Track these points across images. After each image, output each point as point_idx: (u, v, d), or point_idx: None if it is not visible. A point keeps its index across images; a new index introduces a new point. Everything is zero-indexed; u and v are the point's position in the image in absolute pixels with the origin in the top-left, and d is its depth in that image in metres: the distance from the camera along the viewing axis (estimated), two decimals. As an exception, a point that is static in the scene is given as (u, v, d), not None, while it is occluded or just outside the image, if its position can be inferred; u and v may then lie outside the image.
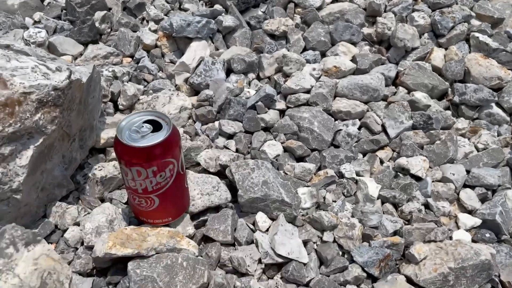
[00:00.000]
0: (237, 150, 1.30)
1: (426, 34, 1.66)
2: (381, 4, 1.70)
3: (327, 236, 1.04)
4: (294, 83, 1.40)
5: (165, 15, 1.74)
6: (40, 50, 1.16)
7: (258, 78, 1.55)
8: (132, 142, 0.86)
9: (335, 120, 1.40)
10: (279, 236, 1.00)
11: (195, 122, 1.41)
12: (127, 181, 0.92)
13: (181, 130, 1.37)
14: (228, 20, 1.63)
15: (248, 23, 1.73)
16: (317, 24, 1.66)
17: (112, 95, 1.39)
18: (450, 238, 1.06)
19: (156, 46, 1.64)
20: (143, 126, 0.89)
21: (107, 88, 1.37)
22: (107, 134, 1.21)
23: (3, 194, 0.87)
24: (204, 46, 1.59)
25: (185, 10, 1.77)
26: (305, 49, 1.64)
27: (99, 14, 1.67)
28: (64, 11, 1.75)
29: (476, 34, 1.60)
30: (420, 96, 1.39)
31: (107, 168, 1.11)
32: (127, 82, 1.45)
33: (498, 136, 1.40)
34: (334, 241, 1.05)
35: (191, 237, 1.03)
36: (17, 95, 0.85)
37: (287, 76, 1.49)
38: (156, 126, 0.91)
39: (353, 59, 1.56)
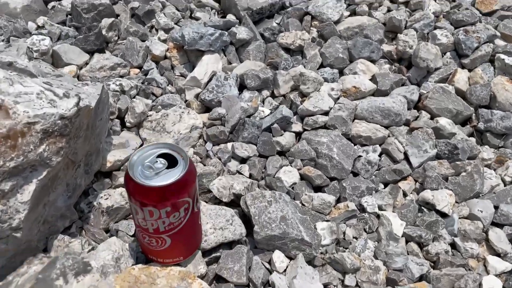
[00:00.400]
0: (250, 176, 1.23)
1: (448, 54, 1.59)
2: (402, 20, 1.63)
3: (349, 280, 0.97)
4: (312, 105, 1.32)
5: (176, 23, 1.66)
6: (45, 66, 1.08)
7: (273, 95, 1.48)
8: (145, 180, 0.78)
9: (354, 144, 1.33)
10: (298, 281, 0.92)
11: (206, 142, 1.33)
12: (137, 220, 0.85)
13: (191, 151, 1.30)
14: (242, 33, 1.55)
15: (262, 35, 1.65)
16: (335, 39, 1.58)
17: (119, 111, 1.31)
18: (480, 284, 0.99)
19: (165, 57, 1.56)
20: (157, 161, 0.82)
21: (114, 104, 1.29)
22: (113, 157, 1.14)
23: (1, 233, 0.79)
24: (217, 60, 1.51)
25: (197, 19, 1.69)
26: (322, 65, 1.56)
27: (106, 21, 1.58)
28: (69, 16, 1.66)
29: (502, 56, 1.52)
30: (445, 122, 1.32)
31: (114, 196, 1.03)
32: (135, 98, 1.37)
33: (524, 167, 1.33)
34: (357, 285, 0.98)
35: (203, 276, 0.96)
36: (20, 126, 0.77)
37: (303, 95, 1.41)
38: (171, 161, 0.83)
39: (373, 79, 1.48)
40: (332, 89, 1.40)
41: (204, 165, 1.24)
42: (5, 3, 1.60)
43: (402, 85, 1.50)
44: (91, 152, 1.03)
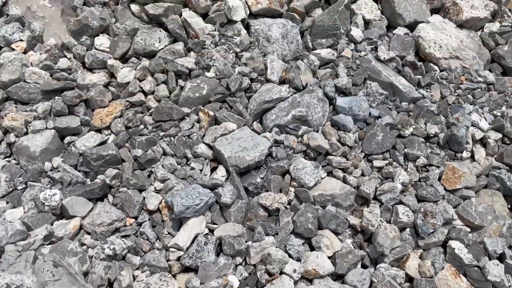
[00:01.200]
0: None
1: (408, 230, 1.74)
2: (370, 193, 1.78)
3: None
4: (273, 293, 1.51)
5: (172, 173, 1.85)
6: (47, 269, 1.29)
7: (245, 261, 1.66)
8: None
9: (306, 326, 1.51)
10: None
11: (179, 311, 1.54)
12: None
13: (166, 317, 1.51)
14: (226, 195, 1.73)
15: (246, 189, 1.83)
16: (308, 207, 1.75)
17: (109, 280, 1.52)
18: None
19: (158, 209, 1.76)
20: None
21: (105, 276, 1.50)
22: None
23: None
24: (201, 221, 1.70)
25: (192, 168, 1.87)
26: (293, 231, 1.73)
27: (111, 172, 1.78)
28: (81, 157, 1.87)
29: (453, 245, 1.66)
30: (386, 320, 1.49)
31: None
32: (123, 271, 1.54)
33: None
34: None
35: None
36: None
37: (269, 274, 1.59)
38: None
39: (333, 257, 1.65)
40: (295, 271, 1.57)
41: None
42: (26, 147, 1.82)
43: (361, 262, 1.67)
44: None
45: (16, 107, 1.97)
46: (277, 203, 1.76)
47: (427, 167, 1.92)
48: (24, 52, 2.13)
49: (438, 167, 1.90)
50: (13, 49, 2.13)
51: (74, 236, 1.65)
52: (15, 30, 2.17)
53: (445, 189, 1.83)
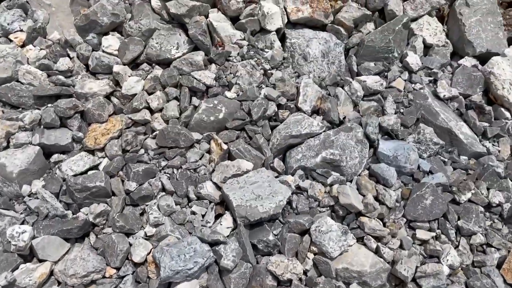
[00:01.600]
0: None
1: (451, 329, 1.37)
2: (408, 276, 1.40)
3: None
4: None
5: (168, 215, 1.52)
6: None
7: None
8: None
9: None
10: None
11: None
12: None
13: None
14: (228, 256, 1.39)
15: (255, 246, 1.48)
16: (327, 284, 1.38)
17: None
18: None
19: (145, 261, 1.44)
20: None
21: None
22: None
23: None
24: (193, 287, 1.37)
25: (193, 212, 1.53)
26: (305, 313, 1.39)
27: (95, 209, 1.46)
28: (64, 185, 1.56)
29: None
30: None
31: None
32: None
33: None
34: None
35: None
36: None
37: None
38: None
39: None
40: None
41: None
42: (2, 165, 1.51)
43: None
44: None
45: (3, 111, 1.68)
46: (290, 273, 1.41)
47: (484, 246, 1.51)
48: (22, 46, 1.82)
49: (498, 249, 1.49)
50: (10, 41, 1.82)
51: (41, 286, 1.36)
52: (15, 18, 1.87)
53: (504, 281, 1.44)
